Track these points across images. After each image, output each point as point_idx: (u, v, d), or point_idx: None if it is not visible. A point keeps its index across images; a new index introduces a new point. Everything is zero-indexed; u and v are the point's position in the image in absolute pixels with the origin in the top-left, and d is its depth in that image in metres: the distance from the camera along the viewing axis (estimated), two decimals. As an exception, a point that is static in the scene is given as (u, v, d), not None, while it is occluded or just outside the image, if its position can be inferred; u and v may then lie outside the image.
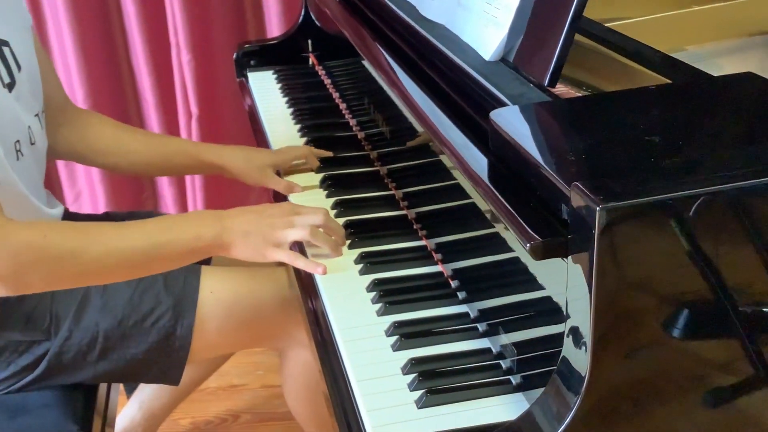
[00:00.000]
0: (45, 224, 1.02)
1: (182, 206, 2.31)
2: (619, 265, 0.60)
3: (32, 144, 1.11)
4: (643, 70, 0.92)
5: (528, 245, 0.64)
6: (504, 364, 0.83)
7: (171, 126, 2.22)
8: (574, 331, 0.64)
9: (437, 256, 1.03)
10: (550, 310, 0.77)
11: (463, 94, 0.93)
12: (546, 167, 0.66)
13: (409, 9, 1.17)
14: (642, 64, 0.93)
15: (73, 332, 1.10)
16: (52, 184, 2.37)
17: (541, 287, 0.80)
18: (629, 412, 0.65)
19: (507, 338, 0.83)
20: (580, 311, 0.62)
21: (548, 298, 0.79)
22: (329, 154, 1.33)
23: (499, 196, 0.72)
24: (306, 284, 1.03)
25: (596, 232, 0.58)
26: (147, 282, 1.13)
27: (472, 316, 0.92)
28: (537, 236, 0.64)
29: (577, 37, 0.88)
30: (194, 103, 2.13)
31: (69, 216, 1.29)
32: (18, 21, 1.12)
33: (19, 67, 1.08)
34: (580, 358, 0.63)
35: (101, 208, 2.28)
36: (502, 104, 0.83)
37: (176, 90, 2.16)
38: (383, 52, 1.15)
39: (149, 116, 2.23)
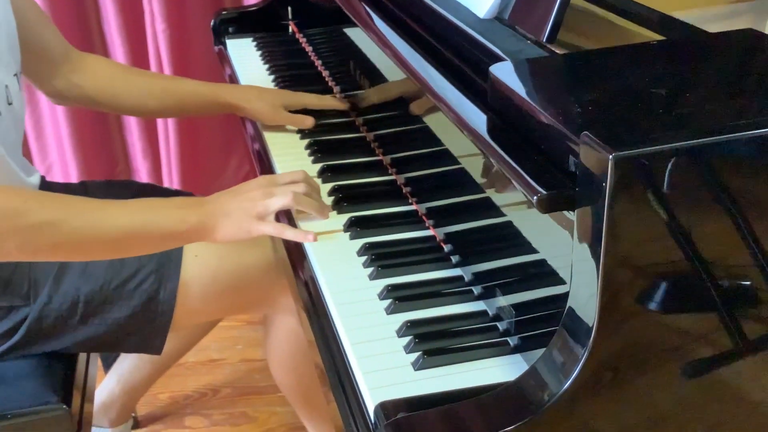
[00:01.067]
0: (26, 191, 0.98)
1: (157, 180, 2.27)
2: (630, 217, 0.58)
3: (9, 104, 1.07)
4: (639, 29, 0.90)
5: (534, 198, 0.62)
6: (501, 326, 0.82)
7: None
8: (582, 281, 0.62)
9: (429, 222, 1.01)
10: (546, 273, 0.76)
11: (458, 52, 0.91)
12: (552, 118, 0.64)
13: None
14: (638, 24, 0.91)
15: (52, 297, 1.06)
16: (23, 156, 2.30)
17: (534, 250, 0.79)
18: (638, 363, 0.63)
19: (505, 300, 0.81)
20: (587, 261, 0.61)
21: (543, 261, 0.78)
22: (343, 105, 1.30)
23: (501, 151, 0.70)
24: (294, 249, 1.01)
25: (608, 182, 0.56)
26: None
27: (466, 279, 0.90)
28: (542, 189, 0.62)
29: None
30: (169, 72, 2.08)
31: (45, 184, 1.25)
32: None
33: None
34: (588, 309, 0.61)
35: (74, 180, 2.22)
36: (500, 60, 0.81)
37: (150, 60, 2.10)
38: (371, 13, 1.12)
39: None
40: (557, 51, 0.82)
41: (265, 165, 1.22)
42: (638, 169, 0.57)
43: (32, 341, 1.07)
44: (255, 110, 1.26)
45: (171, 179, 2.23)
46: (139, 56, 2.11)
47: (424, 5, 1.01)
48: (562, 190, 0.62)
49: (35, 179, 1.19)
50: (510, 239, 0.83)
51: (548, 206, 0.63)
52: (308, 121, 1.25)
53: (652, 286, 0.61)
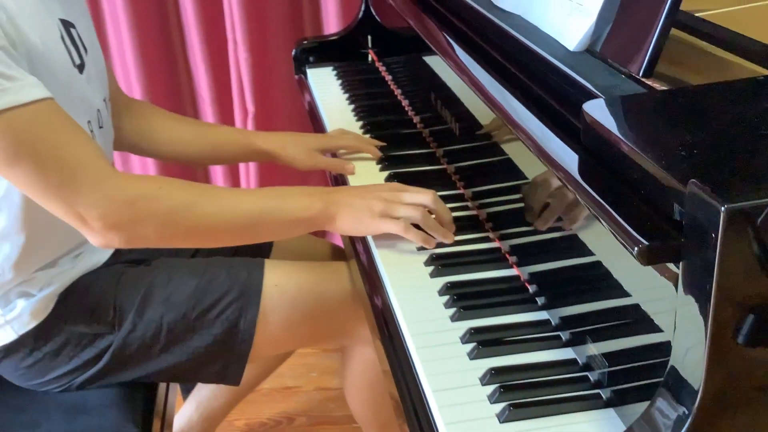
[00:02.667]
0: (160, 177, 1.04)
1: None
2: (742, 271, 0.54)
3: (100, 128, 1.10)
4: (741, 62, 0.85)
5: (635, 249, 0.58)
6: (592, 376, 0.77)
7: (226, 123, 2.20)
8: (687, 340, 0.58)
9: (512, 259, 0.98)
10: (640, 319, 0.71)
11: (546, 86, 0.87)
12: (653, 162, 0.60)
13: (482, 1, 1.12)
14: (741, 56, 0.86)
15: (137, 325, 1.07)
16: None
17: (626, 294, 0.74)
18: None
19: (595, 348, 0.77)
20: (694, 320, 0.56)
21: (636, 306, 0.73)
22: (382, 143, 1.29)
23: (595, 195, 0.66)
24: (373, 283, 0.98)
25: (719, 235, 0.52)
26: (211, 274, 1.11)
27: (553, 323, 0.86)
28: (644, 240, 0.58)
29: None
30: (250, 100, 2.11)
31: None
32: (80, 6, 1.12)
33: (85, 49, 1.07)
34: (694, 370, 0.56)
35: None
36: (593, 96, 0.77)
37: (233, 87, 2.14)
38: (452, 41, 1.10)
39: (205, 113, 2.21)
40: (655, 86, 0.78)
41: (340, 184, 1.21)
42: (751, 221, 0.52)
43: (115, 369, 1.08)
44: (289, 156, 1.26)
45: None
46: (222, 83, 2.15)
47: (508, 36, 0.98)
48: (665, 241, 0.58)
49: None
50: (599, 281, 0.78)
51: (650, 258, 0.58)
52: (348, 167, 1.23)
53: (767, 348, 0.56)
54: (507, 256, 0.99)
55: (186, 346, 1.08)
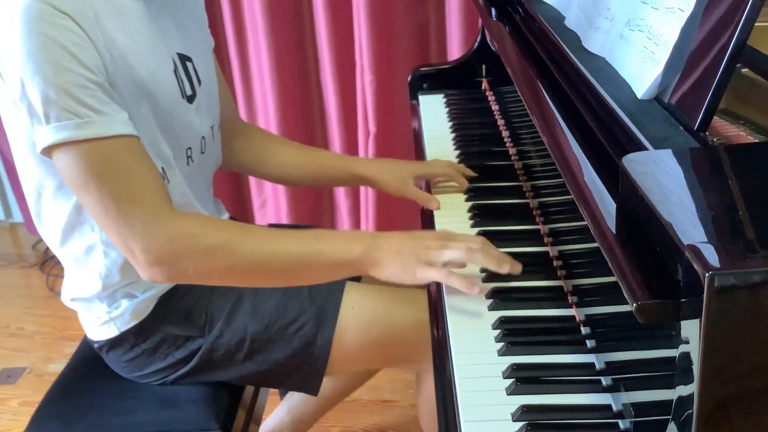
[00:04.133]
0: (205, 217, 1.09)
1: (356, 217, 2.39)
2: (728, 338, 0.54)
3: (202, 153, 1.20)
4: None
5: (634, 305, 0.59)
6: (622, 424, 0.78)
7: (350, 142, 2.31)
8: (681, 397, 0.58)
9: (572, 299, 0.99)
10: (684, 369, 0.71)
11: (608, 133, 0.88)
12: (667, 221, 0.61)
13: (572, 38, 1.14)
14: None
15: (224, 332, 1.17)
16: (242, 191, 2.55)
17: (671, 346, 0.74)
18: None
19: (626, 397, 0.77)
20: (687, 377, 0.57)
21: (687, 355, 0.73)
22: (472, 174, 1.33)
23: (613, 243, 0.67)
24: (435, 313, 1.03)
25: (704, 299, 0.53)
26: (293, 291, 1.19)
27: (597, 367, 0.87)
28: (643, 296, 0.59)
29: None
30: (372, 121, 2.20)
31: (235, 225, 1.38)
32: (202, 41, 1.23)
33: (199, 81, 1.17)
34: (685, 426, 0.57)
35: (283, 215, 2.42)
36: (642, 147, 0.78)
37: (358, 108, 2.24)
38: (533, 79, 1.12)
39: (332, 131, 2.34)
40: (731, 129, 0.77)
41: (426, 221, 1.26)
42: (741, 288, 0.53)
43: (204, 370, 1.19)
44: (383, 182, 1.31)
45: (367, 217, 2.34)
46: (348, 104, 2.26)
47: (584, 78, 0.99)
48: (664, 300, 0.59)
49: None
50: (653, 329, 0.78)
51: (648, 315, 0.59)
52: (434, 203, 1.25)
53: (751, 411, 0.56)
54: (569, 295, 1.00)
55: (267, 356, 1.17)
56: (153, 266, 0.98)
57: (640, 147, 0.78)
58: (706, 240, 0.56)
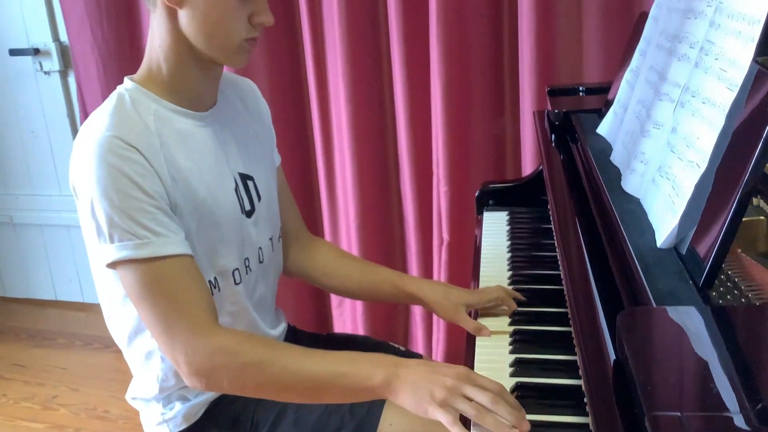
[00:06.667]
0: (243, 334, 1.14)
1: (428, 322, 2.44)
2: None
3: (260, 263, 1.30)
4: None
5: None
6: None
7: (426, 249, 2.38)
8: None
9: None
10: None
11: (623, 278, 0.91)
12: (638, 386, 0.64)
13: (614, 175, 1.19)
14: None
15: None
16: (322, 291, 2.64)
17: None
18: None
19: None
20: None
21: None
22: (522, 298, 1.34)
23: (594, 398, 0.70)
24: None
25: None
26: (335, 405, 1.24)
27: None
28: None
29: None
30: (446, 230, 2.27)
31: (292, 333, 1.46)
32: (265, 160, 1.34)
33: (259, 197, 1.29)
34: None
35: (359, 313, 2.49)
36: (646, 301, 0.81)
37: (433, 217, 2.32)
38: (569, 216, 1.16)
39: (409, 237, 2.42)
40: (717, 297, 0.80)
41: (470, 341, 1.29)
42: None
43: (246, 476, 1.25)
44: (437, 306, 1.35)
45: (438, 325, 2.39)
46: (425, 212, 2.34)
47: (613, 221, 1.03)
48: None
49: (278, 330, 1.41)
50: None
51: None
52: (485, 332, 1.26)
53: None
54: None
55: None
56: (193, 376, 1.07)
57: (646, 300, 0.81)
58: (670, 411, 0.59)
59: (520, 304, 1.35)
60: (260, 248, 1.30)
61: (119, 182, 1.04)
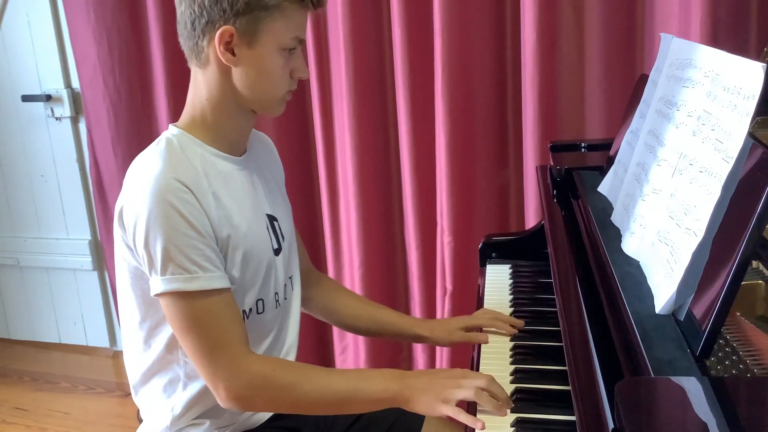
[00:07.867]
0: (275, 360, 1.29)
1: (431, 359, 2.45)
2: None
3: (285, 299, 1.37)
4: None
5: None
6: None
7: (429, 298, 2.39)
8: None
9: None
10: None
11: (622, 345, 0.92)
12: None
13: (614, 234, 1.20)
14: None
15: None
16: (326, 337, 2.65)
17: None
18: None
19: None
20: None
21: None
22: (520, 323, 1.45)
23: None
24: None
25: None
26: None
27: None
28: None
29: None
30: (450, 280, 2.29)
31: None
32: (283, 205, 1.43)
33: (283, 237, 1.37)
34: None
35: (362, 360, 2.49)
36: (645, 370, 0.82)
37: (437, 267, 2.34)
38: (570, 279, 1.18)
39: (413, 287, 2.43)
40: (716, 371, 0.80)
41: (474, 356, 1.36)
42: None
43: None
44: (435, 339, 1.50)
45: (442, 360, 2.39)
46: (428, 261, 2.36)
47: (612, 285, 1.05)
48: None
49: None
50: None
51: None
52: (482, 338, 1.42)
53: None
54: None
55: None
56: (231, 400, 1.18)
57: (644, 368, 0.82)
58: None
59: (521, 361, 1.37)
60: (285, 285, 1.37)
61: (175, 221, 1.13)
